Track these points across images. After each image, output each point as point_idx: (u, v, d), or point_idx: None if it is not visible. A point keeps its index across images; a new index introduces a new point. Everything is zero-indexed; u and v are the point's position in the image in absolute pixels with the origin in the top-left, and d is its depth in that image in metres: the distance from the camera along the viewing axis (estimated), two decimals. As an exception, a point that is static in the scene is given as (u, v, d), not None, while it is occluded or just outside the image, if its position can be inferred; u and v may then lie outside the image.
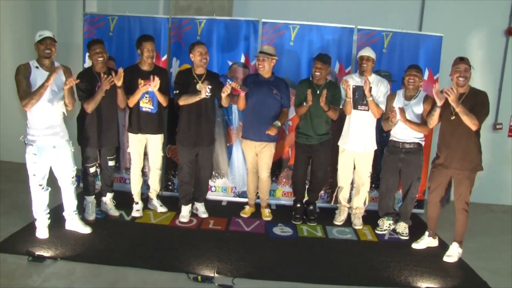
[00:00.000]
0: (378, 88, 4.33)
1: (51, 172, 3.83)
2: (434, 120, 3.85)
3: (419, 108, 4.10)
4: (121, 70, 3.94)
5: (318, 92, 4.27)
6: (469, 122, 3.57)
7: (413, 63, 4.35)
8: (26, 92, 3.50)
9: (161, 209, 4.60)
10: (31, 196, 3.78)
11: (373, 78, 4.36)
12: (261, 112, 4.37)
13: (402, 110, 4.04)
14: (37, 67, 3.58)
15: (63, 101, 3.72)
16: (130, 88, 4.15)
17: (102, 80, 3.92)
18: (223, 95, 4.11)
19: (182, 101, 4.19)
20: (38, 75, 3.56)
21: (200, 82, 4.19)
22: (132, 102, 4.21)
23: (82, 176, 4.33)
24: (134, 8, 5.12)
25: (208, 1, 5.21)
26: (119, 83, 3.97)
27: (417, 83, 4.13)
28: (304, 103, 4.23)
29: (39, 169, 3.69)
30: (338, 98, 4.39)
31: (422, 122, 4.06)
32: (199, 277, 3.29)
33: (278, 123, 4.36)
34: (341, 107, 4.41)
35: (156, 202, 4.64)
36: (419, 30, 5.45)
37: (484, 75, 5.50)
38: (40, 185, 3.73)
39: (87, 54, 4.12)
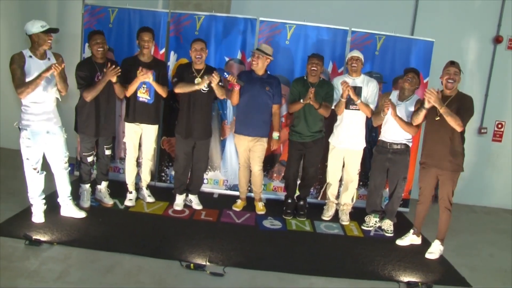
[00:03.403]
0: (368, 88, 4.46)
1: (45, 159, 3.92)
2: (418, 119, 3.98)
3: (410, 109, 4.23)
4: (117, 68, 4.02)
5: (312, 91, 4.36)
6: (454, 123, 3.69)
7: (406, 66, 4.54)
8: (21, 81, 3.57)
9: (149, 199, 4.71)
10: (26, 181, 3.87)
11: (362, 78, 4.50)
12: (253, 108, 4.48)
13: (393, 105, 4.19)
14: (30, 56, 3.64)
15: (56, 87, 3.80)
16: (128, 78, 4.24)
17: (106, 70, 3.99)
18: (212, 84, 4.21)
19: (178, 89, 4.29)
20: (32, 64, 3.62)
21: (198, 76, 4.30)
22: (130, 91, 4.29)
23: (78, 165, 4.42)
24: (134, 2, 5.19)
25: (208, -1, 5.31)
26: (114, 79, 4.04)
27: (414, 85, 4.26)
28: (301, 100, 4.34)
29: (33, 153, 3.77)
30: (330, 96, 4.50)
31: (410, 123, 4.20)
32: (192, 265, 3.41)
33: (277, 135, 4.58)
34: (333, 107, 4.52)
35: (145, 192, 4.74)
36: (411, 35, 5.61)
37: (472, 80, 5.70)
38: (35, 169, 3.81)
39: (87, 44, 4.18)
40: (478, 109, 5.68)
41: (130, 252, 3.57)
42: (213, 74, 4.17)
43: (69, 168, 4.08)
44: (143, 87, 4.31)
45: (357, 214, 4.82)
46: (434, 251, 4.06)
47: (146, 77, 4.16)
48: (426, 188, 4.13)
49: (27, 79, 3.59)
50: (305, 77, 4.55)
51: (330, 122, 4.71)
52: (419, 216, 4.26)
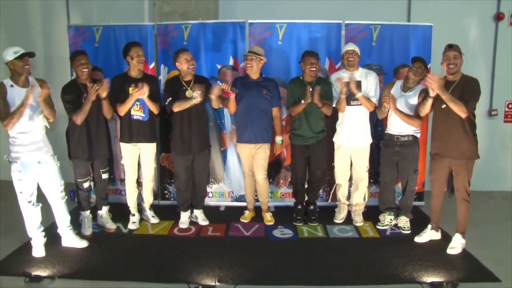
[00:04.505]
0: (368, 81, 4.30)
1: (40, 190, 3.77)
2: (425, 109, 3.79)
3: (413, 100, 4.03)
4: (106, 81, 3.89)
5: (310, 89, 4.20)
6: (457, 109, 3.52)
7: (405, 55, 4.45)
8: (6, 113, 3.45)
9: (153, 220, 4.53)
10: (23, 215, 3.72)
11: (360, 72, 4.33)
12: (253, 114, 4.31)
13: (393, 99, 4.01)
14: (12, 86, 3.51)
15: (43, 114, 3.66)
16: (120, 96, 4.10)
17: (88, 90, 3.85)
18: (213, 96, 4.08)
19: (176, 108, 4.13)
20: (14, 93, 3.50)
21: (189, 89, 4.14)
22: (123, 110, 4.13)
23: (76, 192, 4.26)
24: (119, 17, 5.07)
25: (193, 4, 5.14)
26: (103, 94, 3.90)
27: (419, 75, 4.05)
28: (302, 101, 4.18)
29: (26, 186, 3.63)
30: (330, 93, 4.35)
31: (414, 114, 4.01)
32: (200, 286, 3.23)
33: (280, 140, 4.41)
34: (334, 105, 4.35)
35: (148, 213, 4.57)
36: (408, 21, 5.41)
37: (476, 62, 5.48)
38: (30, 202, 3.67)
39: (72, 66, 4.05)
40: (486, 90, 5.45)
41: (135, 278, 3.39)
42: (215, 86, 4.04)
43: (66, 197, 3.92)
44: (137, 104, 4.15)
45: (371, 213, 4.61)
46: (456, 245, 3.84)
47: (142, 92, 3.99)
48: (438, 180, 3.93)
49: (12, 110, 3.45)
50: (301, 77, 4.38)
51: (332, 121, 4.52)
52: (434, 210, 4.05)
